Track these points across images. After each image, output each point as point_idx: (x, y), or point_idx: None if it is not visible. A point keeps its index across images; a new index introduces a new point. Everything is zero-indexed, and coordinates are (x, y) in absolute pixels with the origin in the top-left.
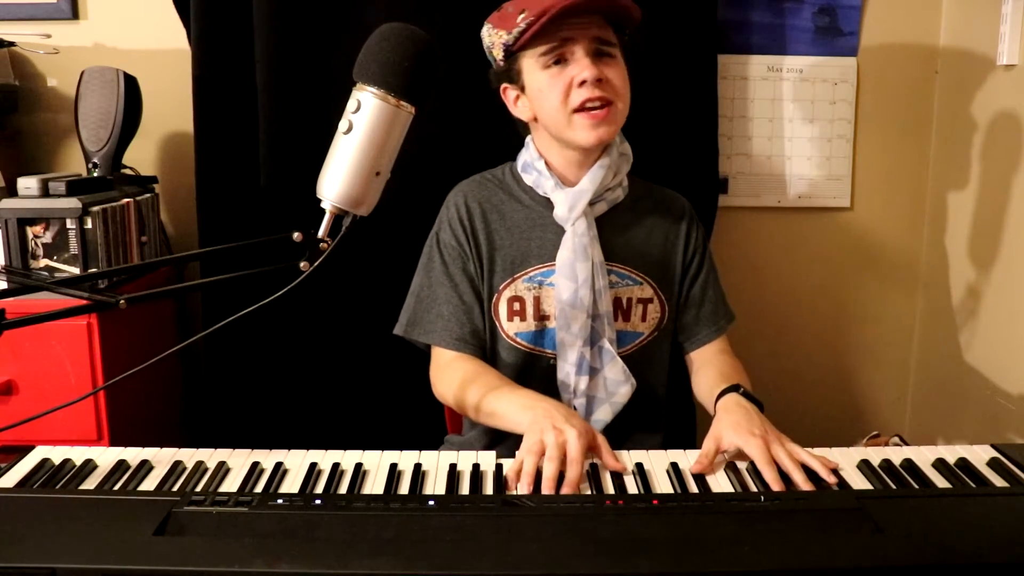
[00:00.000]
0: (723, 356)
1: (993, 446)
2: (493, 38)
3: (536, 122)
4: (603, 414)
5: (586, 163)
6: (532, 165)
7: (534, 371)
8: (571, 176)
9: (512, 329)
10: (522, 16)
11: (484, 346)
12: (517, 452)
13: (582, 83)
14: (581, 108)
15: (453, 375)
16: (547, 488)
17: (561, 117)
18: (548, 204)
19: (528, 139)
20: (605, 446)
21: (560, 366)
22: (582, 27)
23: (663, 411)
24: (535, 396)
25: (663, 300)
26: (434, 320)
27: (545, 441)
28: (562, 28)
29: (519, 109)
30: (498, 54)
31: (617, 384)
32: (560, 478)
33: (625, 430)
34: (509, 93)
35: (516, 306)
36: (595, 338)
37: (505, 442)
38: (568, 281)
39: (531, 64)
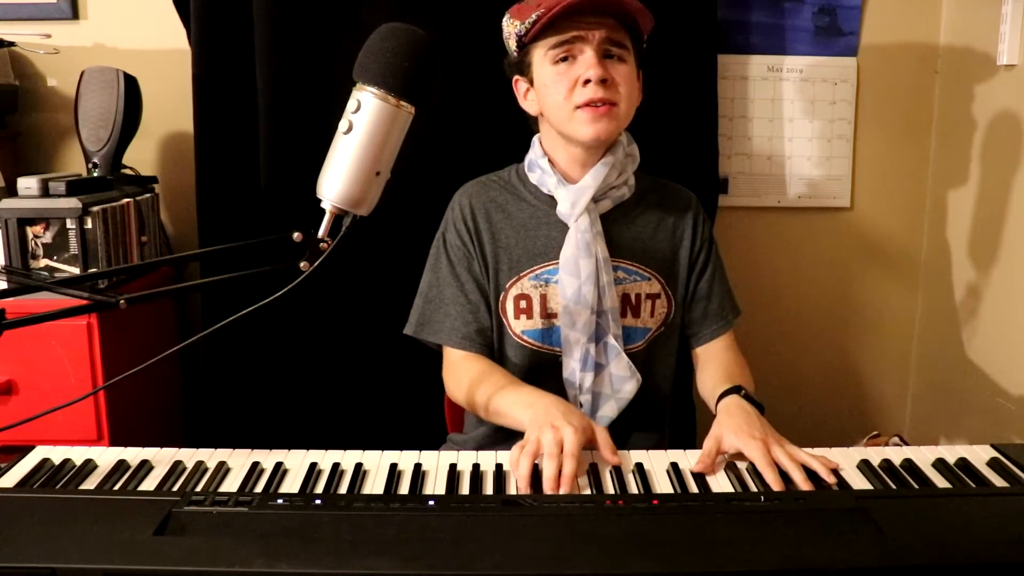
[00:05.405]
0: (728, 352)
1: (993, 446)
2: (510, 28)
3: (543, 117)
4: (609, 410)
5: (589, 161)
6: (536, 163)
7: (542, 369)
8: (574, 174)
9: (519, 327)
10: (536, 9)
11: (491, 345)
12: (514, 445)
13: (586, 82)
14: (583, 105)
15: (462, 375)
16: (547, 487)
17: (564, 112)
18: (553, 202)
19: (535, 138)
20: (604, 440)
21: (566, 363)
22: (593, 27)
23: (667, 408)
24: (537, 393)
25: (670, 295)
26: (442, 320)
27: (542, 440)
28: (574, 25)
29: (528, 103)
30: (512, 44)
31: (622, 380)
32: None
33: (628, 427)
34: (520, 86)
35: (523, 304)
36: (600, 334)
37: (508, 442)
38: (571, 278)
39: (541, 58)
